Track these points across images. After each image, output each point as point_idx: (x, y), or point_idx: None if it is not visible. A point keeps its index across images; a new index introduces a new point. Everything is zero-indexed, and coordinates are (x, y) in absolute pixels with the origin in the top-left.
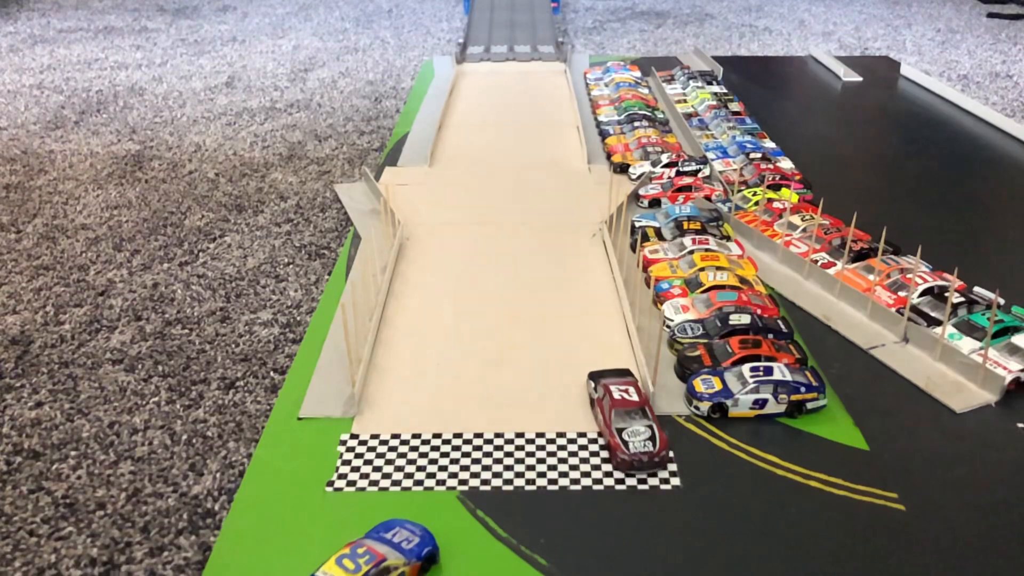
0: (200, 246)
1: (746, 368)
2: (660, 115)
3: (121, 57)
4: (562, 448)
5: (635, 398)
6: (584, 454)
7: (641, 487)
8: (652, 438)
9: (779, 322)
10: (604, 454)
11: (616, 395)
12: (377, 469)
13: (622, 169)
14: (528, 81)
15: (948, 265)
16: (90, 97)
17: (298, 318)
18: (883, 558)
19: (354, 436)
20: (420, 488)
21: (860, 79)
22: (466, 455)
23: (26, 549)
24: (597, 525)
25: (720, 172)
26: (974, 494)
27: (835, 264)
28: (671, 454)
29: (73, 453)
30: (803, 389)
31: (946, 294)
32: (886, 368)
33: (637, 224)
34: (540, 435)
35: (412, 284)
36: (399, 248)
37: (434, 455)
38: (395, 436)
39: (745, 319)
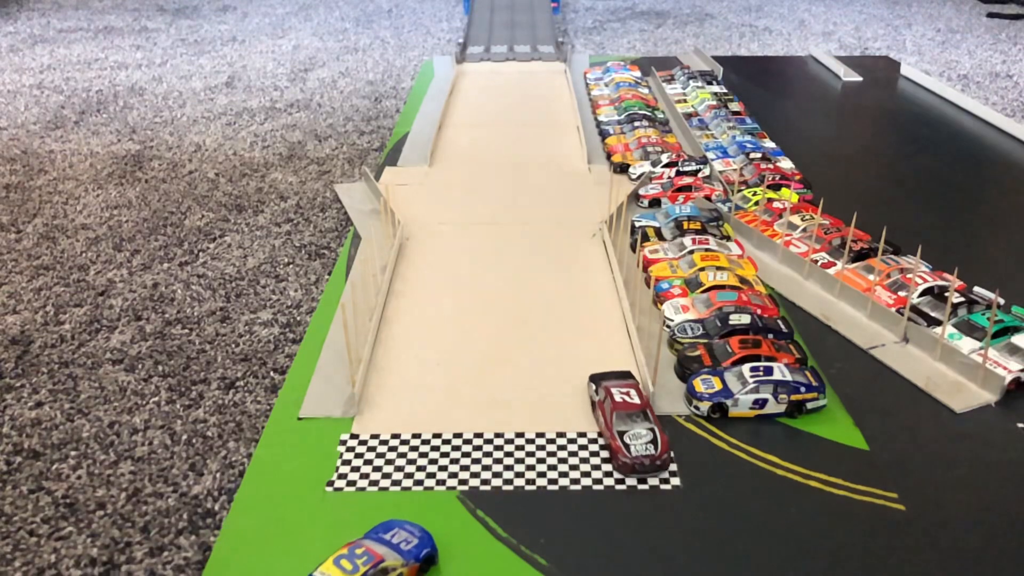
0: (200, 246)
1: (746, 368)
2: (660, 115)
3: (121, 57)
4: (562, 448)
5: (636, 401)
6: (584, 454)
7: (641, 487)
8: (654, 441)
9: (779, 322)
10: (604, 454)
11: (617, 398)
12: (377, 469)
13: (622, 169)
14: (528, 81)
15: (948, 265)
16: (90, 97)
17: (298, 318)
18: (883, 558)
19: (354, 436)
20: (420, 488)
21: (860, 79)
22: (466, 455)
23: (26, 549)
24: (597, 525)
25: (720, 172)
26: (974, 494)
27: (835, 264)
28: (671, 455)
29: (73, 453)
30: (803, 389)
31: (946, 294)
32: (886, 368)
33: (637, 224)
34: (540, 435)
35: (412, 284)
36: (399, 248)
37: (434, 455)
38: (395, 436)
39: (745, 319)
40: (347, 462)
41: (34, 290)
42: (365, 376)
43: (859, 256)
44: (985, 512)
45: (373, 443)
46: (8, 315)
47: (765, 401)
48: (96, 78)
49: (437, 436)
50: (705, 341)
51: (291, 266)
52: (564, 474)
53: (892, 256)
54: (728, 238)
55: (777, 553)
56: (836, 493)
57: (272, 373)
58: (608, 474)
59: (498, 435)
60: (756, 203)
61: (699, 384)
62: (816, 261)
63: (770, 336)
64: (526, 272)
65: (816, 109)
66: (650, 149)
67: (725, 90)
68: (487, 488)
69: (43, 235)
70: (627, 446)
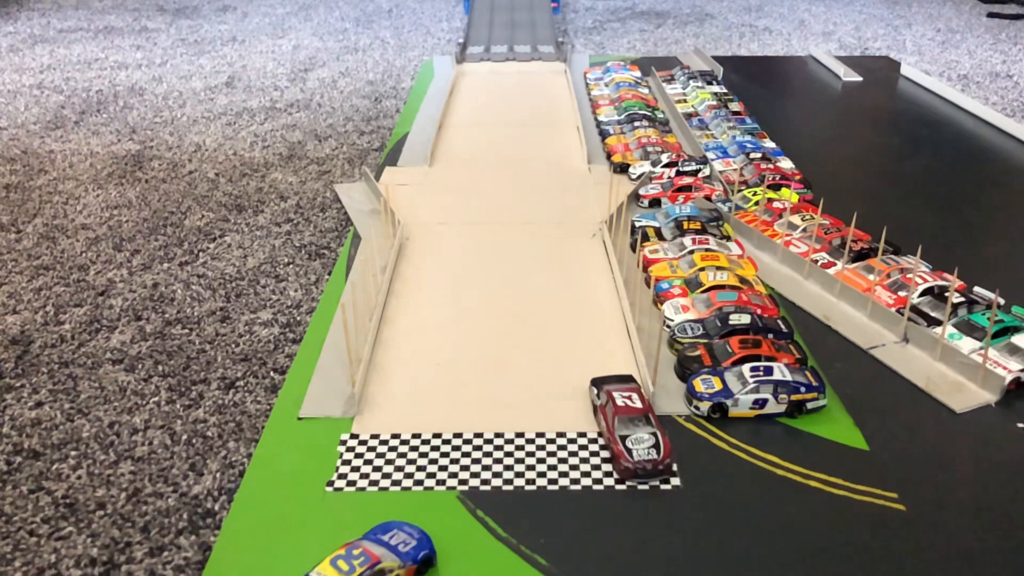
0: (200, 246)
1: (746, 368)
2: (660, 115)
3: (121, 57)
4: (562, 448)
5: (638, 405)
6: (584, 454)
7: (641, 487)
8: (656, 445)
9: (779, 322)
10: (605, 454)
11: (619, 402)
12: (377, 469)
13: (622, 169)
14: (528, 81)
15: (948, 265)
16: (90, 97)
17: (298, 318)
18: (883, 558)
19: (354, 436)
20: (420, 488)
21: (860, 79)
22: (466, 455)
23: (26, 549)
24: (597, 525)
25: (720, 172)
26: (974, 494)
27: (835, 264)
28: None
29: (73, 453)
30: (803, 389)
31: (946, 294)
32: (886, 368)
33: (637, 224)
34: (540, 435)
35: (412, 284)
36: (399, 248)
37: (434, 455)
38: (395, 436)
39: (745, 319)
40: (347, 462)
41: (34, 290)
42: (365, 376)
43: (859, 256)
44: (985, 512)
45: (373, 443)
46: (8, 315)
47: (765, 401)
48: (96, 78)
49: (437, 436)
50: (705, 341)
51: (291, 266)
52: (564, 474)
53: (892, 256)
54: (728, 238)
55: (777, 553)
56: (836, 493)
57: (272, 373)
58: (608, 474)
59: (498, 435)
60: (756, 203)
61: (699, 384)
62: (816, 261)
63: (770, 336)
64: (526, 272)
65: (816, 109)
66: (650, 149)
67: (725, 90)
68: (487, 488)
69: (43, 235)
70: (629, 451)
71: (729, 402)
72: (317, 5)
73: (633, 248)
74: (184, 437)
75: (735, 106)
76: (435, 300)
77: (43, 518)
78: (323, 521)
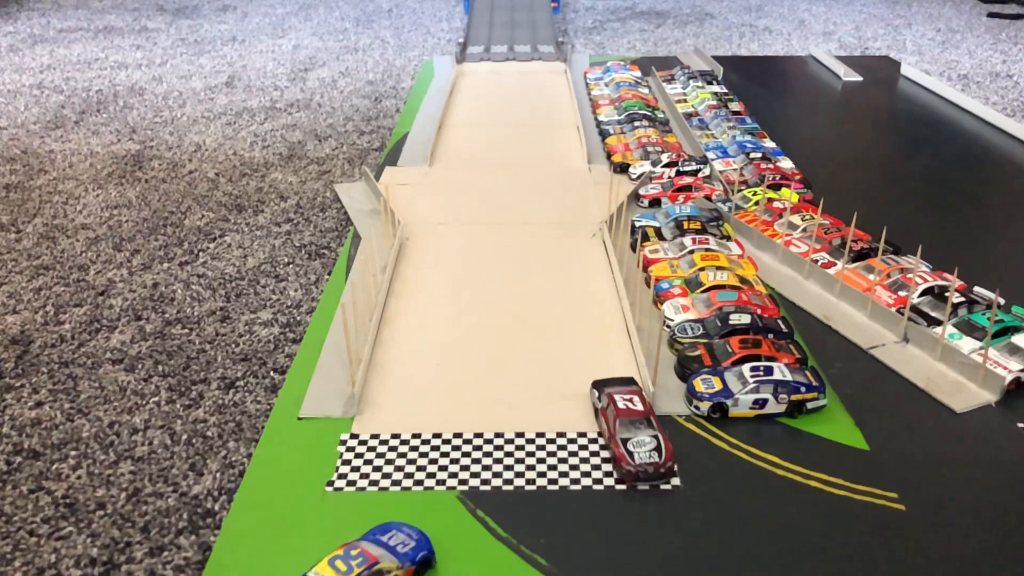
0: (200, 246)
1: (746, 368)
2: (660, 115)
3: (121, 57)
4: (562, 448)
5: (640, 407)
6: (584, 454)
7: (641, 487)
8: (658, 448)
9: (779, 322)
10: (605, 454)
11: (621, 404)
12: (377, 469)
13: (622, 169)
14: (528, 81)
15: (948, 265)
16: (90, 97)
17: (298, 318)
18: (883, 558)
19: (354, 436)
20: (420, 488)
21: (860, 79)
22: (466, 455)
23: (26, 549)
24: (597, 525)
25: (720, 172)
26: (974, 494)
27: (835, 264)
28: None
29: (73, 453)
30: (803, 389)
31: (946, 294)
32: (886, 368)
33: (637, 224)
34: (540, 435)
35: (412, 284)
36: (399, 248)
37: (434, 455)
38: (395, 436)
39: (745, 319)
40: (347, 462)
41: (34, 290)
42: (365, 376)
43: (859, 256)
44: (985, 512)
45: (373, 443)
46: (8, 315)
47: (765, 401)
48: (96, 78)
49: (437, 436)
50: (705, 341)
51: (291, 266)
52: (564, 474)
53: (892, 256)
54: (728, 238)
55: (777, 553)
56: (836, 493)
57: (272, 373)
58: (608, 474)
59: (498, 435)
60: (756, 203)
61: (699, 384)
62: (816, 261)
63: (770, 336)
64: (526, 272)
65: (816, 109)
66: (650, 149)
67: (725, 90)
68: (487, 488)
69: (43, 235)
70: (631, 454)
71: (729, 402)
72: (317, 5)
73: (633, 248)
74: (184, 437)
75: (735, 106)
76: (435, 300)
77: (43, 518)
78: (323, 521)
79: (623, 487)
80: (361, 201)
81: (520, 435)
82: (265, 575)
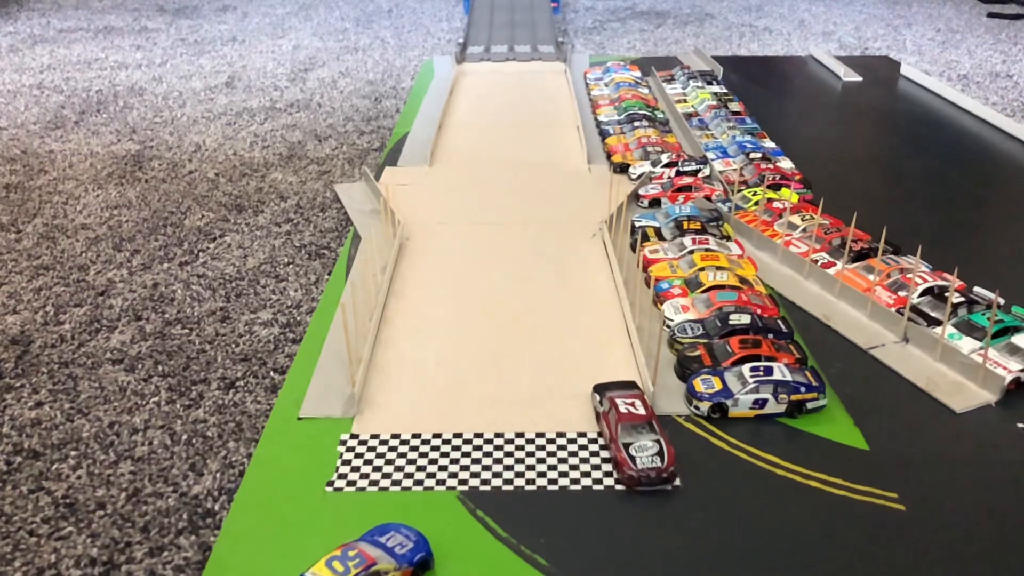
0: (200, 246)
1: (746, 368)
2: (660, 115)
3: (121, 57)
4: (562, 448)
5: (642, 412)
6: (584, 454)
7: (641, 487)
8: (660, 453)
9: (779, 322)
10: (605, 454)
11: (622, 408)
12: (377, 469)
13: (622, 169)
14: (528, 81)
15: (948, 265)
16: (90, 97)
17: (298, 318)
18: (883, 558)
19: (354, 436)
20: (420, 488)
21: (860, 79)
22: (466, 455)
23: (26, 549)
24: (597, 525)
25: (720, 172)
26: (974, 494)
27: (835, 264)
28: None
29: (73, 453)
30: (803, 389)
31: (946, 294)
32: (886, 368)
33: (637, 224)
34: (540, 435)
35: (412, 284)
36: (399, 248)
37: (434, 455)
38: (395, 436)
39: (745, 319)
40: (347, 462)
41: (34, 290)
42: (365, 376)
43: (859, 256)
44: (985, 512)
45: (373, 443)
46: (8, 315)
47: (765, 401)
48: (96, 78)
49: (437, 436)
50: (705, 341)
51: (291, 266)
52: (564, 474)
53: (892, 256)
54: (728, 238)
55: (777, 553)
56: (836, 493)
57: (272, 373)
58: (608, 474)
59: (498, 435)
60: (756, 203)
61: (699, 384)
62: (816, 261)
63: (770, 336)
64: (526, 272)
65: (816, 109)
66: (650, 149)
67: (725, 90)
68: (487, 488)
69: (43, 235)
70: (633, 458)
71: (729, 402)
72: (317, 5)
73: (633, 248)
74: (184, 437)
75: (735, 106)
76: (435, 300)
77: (43, 518)
78: (323, 521)
79: (623, 487)
80: (361, 201)
81: (520, 435)
82: (265, 575)
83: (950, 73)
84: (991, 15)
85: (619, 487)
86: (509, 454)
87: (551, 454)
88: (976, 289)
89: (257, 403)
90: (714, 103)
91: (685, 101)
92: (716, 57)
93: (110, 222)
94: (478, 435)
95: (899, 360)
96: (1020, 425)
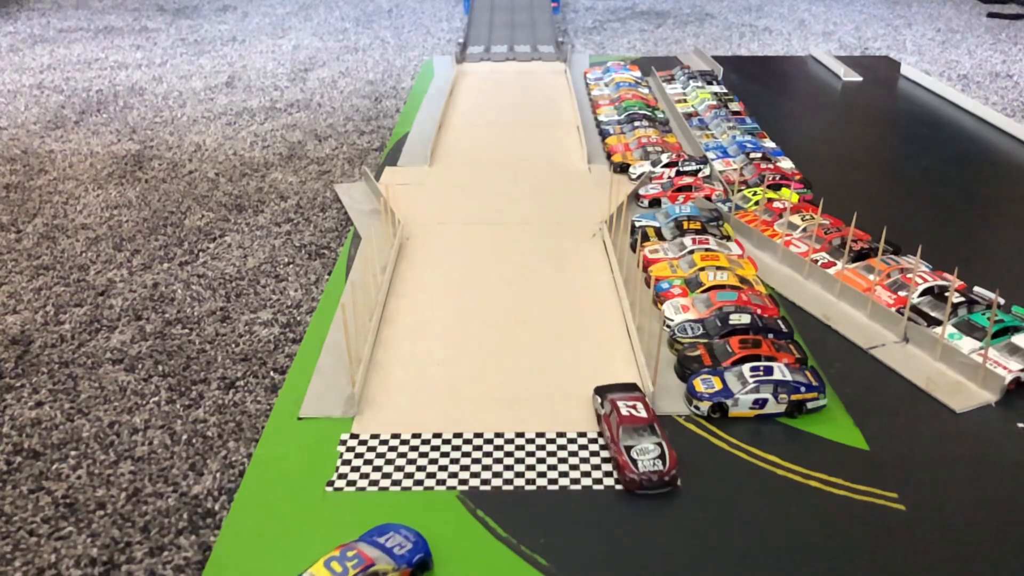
0: (200, 246)
1: (746, 368)
2: (660, 115)
3: (121, 57)
4: (562, 448)
5: (643, 414)
6: (584, 454)
7: (642, 490)
8: (662, 456)
9: (779, 322)
10: (605, 454)
11: (624, 411)
12: (377, 469)
13: (622, 169)
14: (528, 81)
15: (948, 265)
16: (90, 97)
17: (298, 318)
18: (883, 558)
19: (354, 436)
20: (420, 488)
21: (860, 79)
22: (466, 455)
23: (26, 549)
24: (597, 525)
25: (720, 172)
26: (974, 494)
27: (835, 264)
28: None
29: (73, 453)
30: (803, 389)
31: (946, 294)
32: (886, 368)
33: (637, 224)
34: (540, 435)
35: (412, 284)
36: (399, 248)
37: (434, 455)
38: (395, 436)
39: (745, 319)
40: (347, 462)
41: (34, 290)
42: (365, 376)
43: (859, 256)
44: (985, 512)
45: (373, 443)
46: (8, 315)
47: (765, 401)
48: (96, 78)
49: (437, 436)
50: (705, 341)
51: (291, 266)
52: (564, 474)
53: (892, 256)
54: (728, 238)
55: (777, 553)
56: (836, 493)
57: (272, 373)
58: (608, 474)
59: (498, 435)
60: (756, 203)
61: (699, 384)
62: (816, 261)
63: (770, 336)
64: (526, 272)
65: (816, 109)
66: (650, 149)
67: (725, 90)
68: (487, 488)
69: (43, 235)
70: (634, 461)
71: (729, 402)
72: (317, 5)
73: (633, 248)
74: (184, 437)
75: (735, 106)
76: (435, 300)
77: (43, 518)
78: (323, 521)
79: (622, 487)
80: (361, 201)
81: (520, 435)
82: (265, 575)
83: (950, 73)
84: (991, 15)
85: (619, 487)
86: (509, 454)
87: (551, 454)
88: (976, 289)
89: (257, 403)
90: (714, 103)
91: (685, 101)
92: (716, 57)
93: (110, 222)
94: (478, 435)
95: (899, 360)
96: (1020, 425)
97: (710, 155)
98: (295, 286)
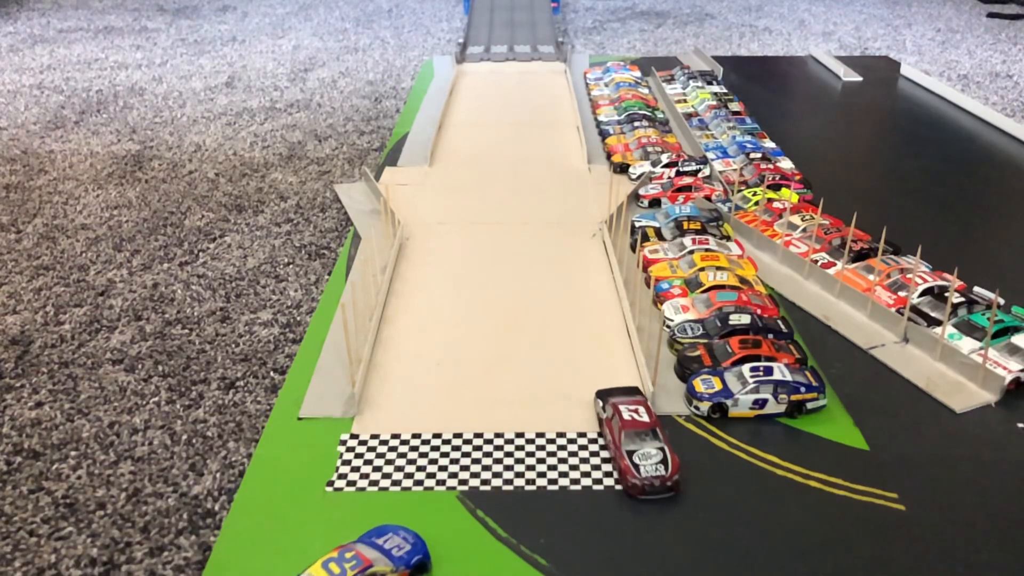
0: (200, 246)
1: (746, 368)
2: (660, 115)
3: (121, 57)
4: (562, 448)
5: (645, 419)
6: (584, 454)
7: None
8: (664, 461)
9: (779, 322)
10: (604, 454)
11: (626, 416)
12: (377, 469)
13: (622, 169)
14: (528, 81)
15: (948, 265)
16: (90, 97)
17: (298, 318)
18: (883, 558)
19: (354, 436)
20: (420, 488)
21: (860, 79)
22: (466, 455)
23: (26, 549)
24: (597, 525)
25: (720, 172)
26: (974, 494)
27: (835, 264)
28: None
29: (73, 453)
30: (803, 389)
31: (946, 294)
32: (886, 368)
33: (637, 224)
34: (540, 435)
35: (412, 284)
36: (399, 248)
37: (434, 455)
38: (395, 436)
39: (745, 319)
40: (347, 462)
41: (34, 290)
42: (365, 376)
43: (859, 256)
44: (985, 512)
45: (373, 443)
46: (8, 315)
47: (765, 401)
48: (96, 78)
49: (437, 436)
50: (705, 341)
51: (291, 266)
52: (564, 474)
53: (892, 256)
54: (728, 238)
55: (777, 553)
56: (836, 493)
57: (272, 373)
58: (608, 474)
59: (498, 435)
60: (756, 203)
61: (699, 384)
62: (816, 261)
63: (770, 336)
64: (526, 272)
65: (816, 109)
66: (650, 149)
67: (725, 90)
68: (487, 488)
69: (43, 235)
70: (636, 466)
71: (729, 402)
72: (317, 5)
73: (633, 248)
74: (184, 437)
75: (735, 106)
76: (435, 300)
77: (43, 518)
78: (323, 521)
79: (622, 487)
80: (361, 201)
81: (520, 435)
82: (265, 575)
83: (950, 73)
84: (991, 15)
85: (619, 487)
86: (509, 454)
87: (551, 454)
88: (976, 289)
89: (257, 403)
90: (714, 103)
91: (685, 101)
92: (716, 57)
93: (110, 222)
94: (478, 435)
95: (899, 360)
96: (1020, 425)
97: (710, 155)
98: (295, 286)
